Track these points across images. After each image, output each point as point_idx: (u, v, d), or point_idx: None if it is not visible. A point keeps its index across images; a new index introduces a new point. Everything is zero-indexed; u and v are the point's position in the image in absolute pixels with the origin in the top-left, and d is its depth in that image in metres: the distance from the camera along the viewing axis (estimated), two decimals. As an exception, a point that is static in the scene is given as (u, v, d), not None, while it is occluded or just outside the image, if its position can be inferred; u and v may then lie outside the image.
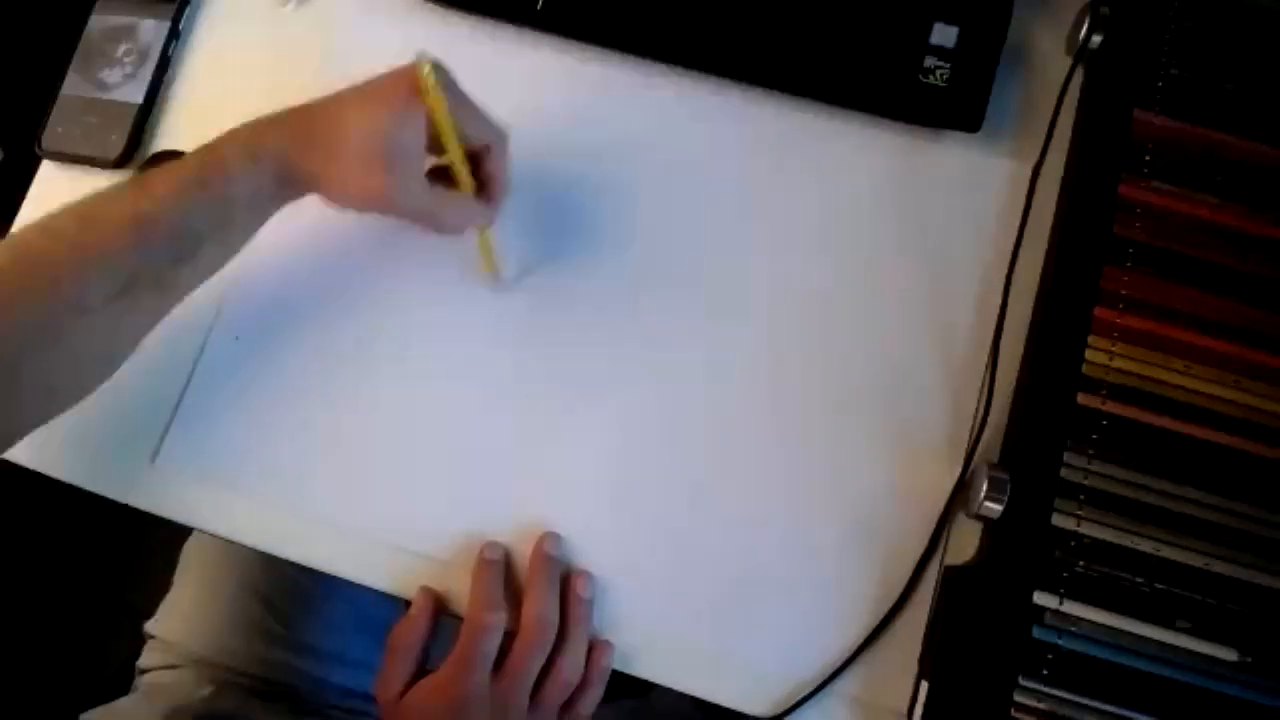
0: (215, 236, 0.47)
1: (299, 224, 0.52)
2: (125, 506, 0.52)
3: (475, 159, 0.48)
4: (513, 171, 0.50)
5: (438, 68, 0.44)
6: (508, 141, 0.48)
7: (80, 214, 0.45)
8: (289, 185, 0.47)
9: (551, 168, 0.57)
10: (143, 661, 0.69)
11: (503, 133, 0.48)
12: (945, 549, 0.51)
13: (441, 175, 0.48)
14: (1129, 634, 0.47)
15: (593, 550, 0.51)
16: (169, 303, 0.48)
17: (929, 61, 0.56)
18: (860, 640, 0.49)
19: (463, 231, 0.50)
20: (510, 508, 0.52)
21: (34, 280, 0.43)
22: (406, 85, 0.44)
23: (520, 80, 0.58)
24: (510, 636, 0.48)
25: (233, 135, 0.46)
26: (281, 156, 0.46)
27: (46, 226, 0.45)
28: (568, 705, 0.49)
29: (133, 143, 0.57)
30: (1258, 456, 0.49)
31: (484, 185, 0.48)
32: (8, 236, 0.45)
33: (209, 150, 0.46)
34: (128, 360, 0.48)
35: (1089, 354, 0.51)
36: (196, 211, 0.45)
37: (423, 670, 0.50)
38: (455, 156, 0.46)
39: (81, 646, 1.18)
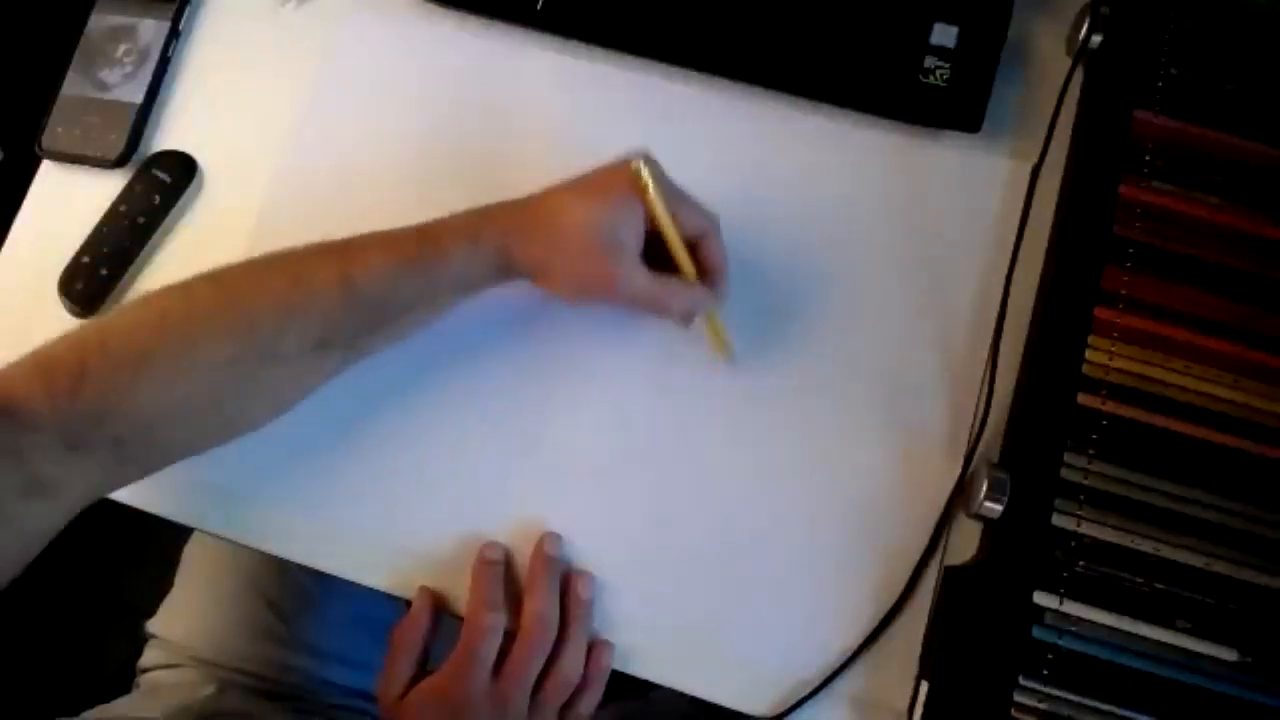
0: (417, 311, 0.48)
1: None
2: (125, 506, 0.52)
3: (692, 247, 0.49)
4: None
5: (650, 163, 0.46)
6: (718, 226, 0.49)
7: (290, 270, 0.46)
8: (504, 272, 0.48)
9: (551, 168, 0.57)
10: (143, 661, 0.69)
11: (715, 218, 0.49)
12: (945, 549, 0.51)
13: (659, 259, 0.49)
14: (1129, 634, 0.47)
15: (593, 550, 0.51)
16: (353, 361, 0.49)
17: (929, 61, 0.56)
18: (860, 640, 0.49)
19: (690, 315, 0.50)
20: (510, 508, 0.52)
21: (234, 324, 0.45)
22: (623, 180, 0.46)
23: (520, 80, 0.58)
24: (510, 637, 0.48)
25: (450, 221, 0.48)
26: (503, 247, 0.47)
27: (255, 274, 0.46)
28: (568, 705, 0.49)
29: (133, 143, 0.57)
30: (1258, 456, 0.49)
31: (704, 271, 0.49)
32: (217, 272, 0.46)
33: (429, 232, 0.47)
34: None
35: (1089, 354, 0.51)
36: (407, 289, 0.47)
37: (423, 670, 0.50)
38: (676, 246, 0.48)
39: (81, 646, 1.18)
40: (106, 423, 0.42)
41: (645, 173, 0.45)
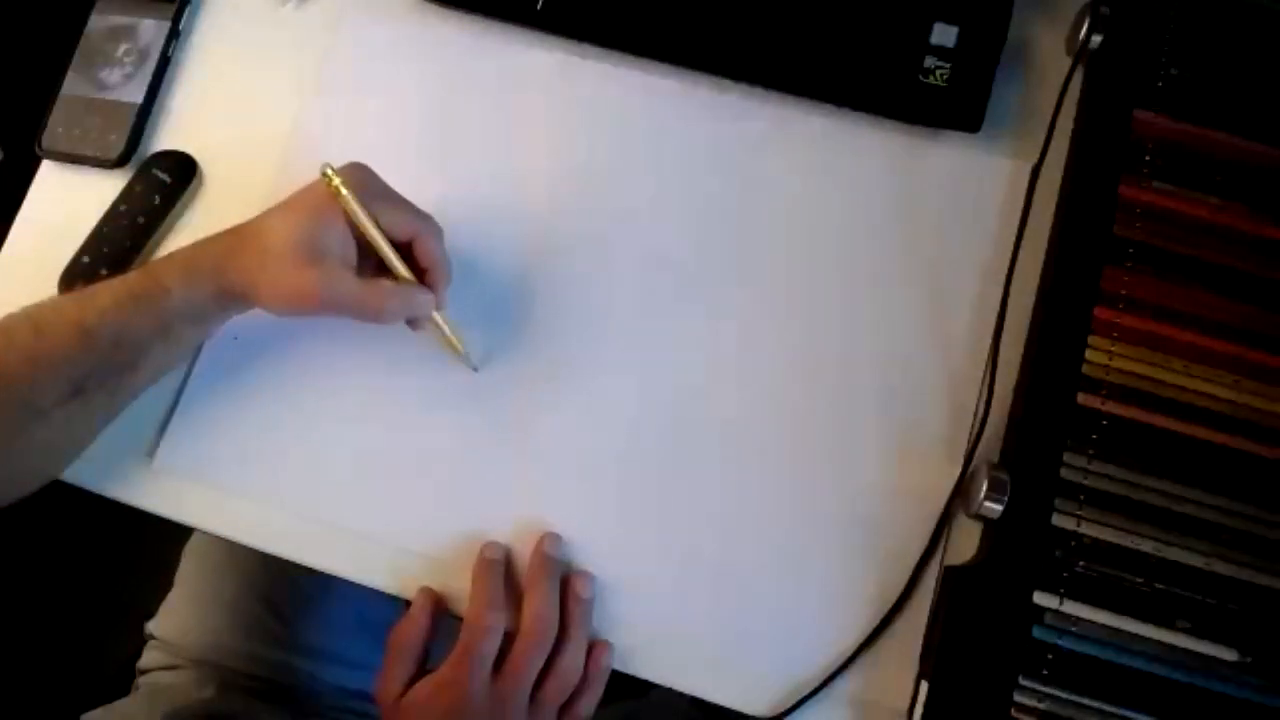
0: (157, 346, 0.49)
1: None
2: (125, 506, 0.52)
3: (408, 251, 0.49)
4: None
5: (342, 172, 0.47)
6: (437, 229, 0.50)
7: (33, 321, 0.47)
8: (227, 298, 0.49)
9: (551, 168, 0.57)
10: (143, 662, 0.69)
11: (429, 221, 0.50)
12: (945, 549, 0.51)
13: (384, 273, 0.49)
14: (1129, 634, 0.47)
15: (593, 550, 0.51)
16: (120, 402, 0.50)
17: (929, 61, 0.56)
18: (860, 640, 0.49)
19: (408, 317, 0.50)
20: (510, 508, 0.52)
21: None
22: (320, 191, 0.48)
23: (520, 80, 0.58)
24: (510, 636, 0.48)
25: (171, 256, 0.49)
26: (215, 271, 0.48)
27: (4, 329, 0.47)
28: (568, 705, 0.49)
29: (133, 143, 0.57)
30: (1258, 456, 0.49)
31: (422, 274, 0.50)
32: None
33: (149, 268, 0.49)
34: None
35: (1089, 354, 0.51)
36: (136, 324, 0.48)
37: (423, 670, 0.50)
38: (382, 248, 0.48)
39: (81, 646, 1.18)
40: None
41: (336, 180, 0.46)
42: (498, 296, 0.55)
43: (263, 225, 0.48)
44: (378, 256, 0.49)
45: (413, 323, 0.51)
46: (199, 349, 0.54)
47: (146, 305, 0.48)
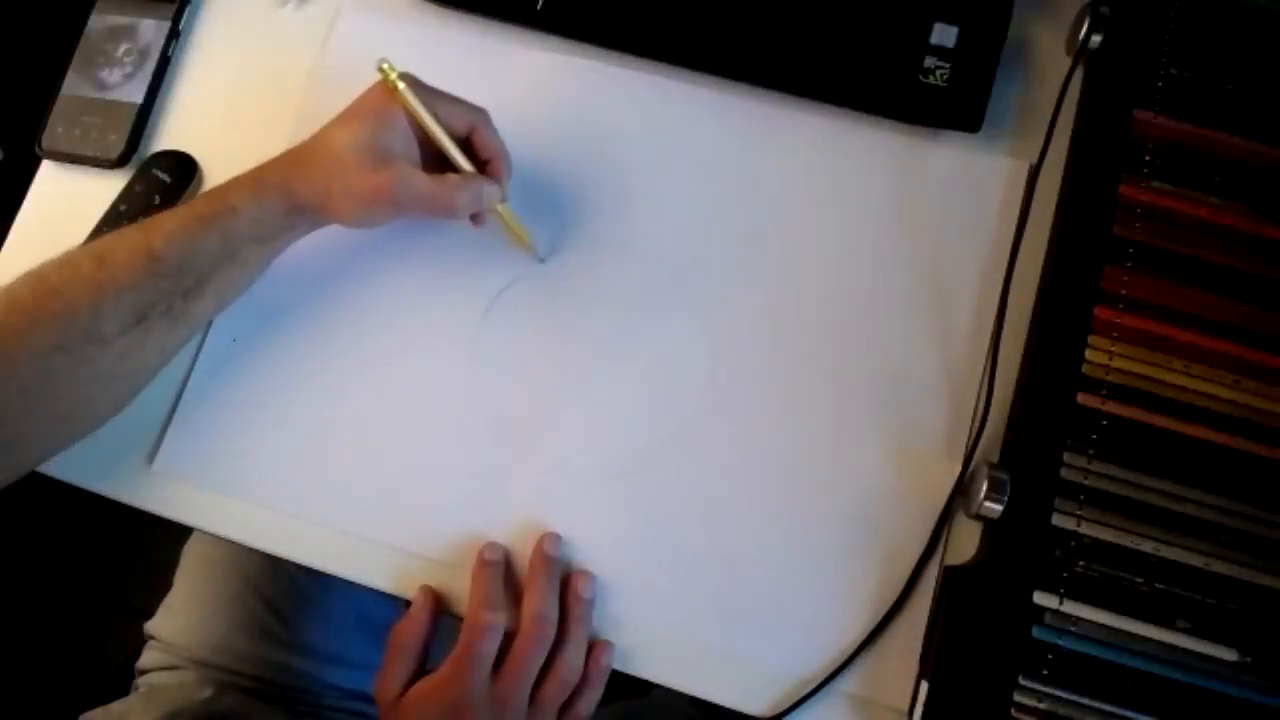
0: (222, 270, 0.49)
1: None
2: (124, 506, 0.52)
3: (467, 145, 0.50)
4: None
5: (400, 72, 0.47)
6: (488, 117, 0.51)
7: (96, 252, 0.48)
8: (296, 214, 0.49)
9: (551, 168, 0.57)
10: (142, 662, 0.69)
11: (483, 113, 0.51)
12: (945, 549, 0.51)
13: (443, 169, 0.50)
14: (1129, 634, 0.47)
15: (593, 550, 0.51)
16: (183, 334, 0.50)
17: (929, 61, 0.56)
18: (860, 640, 0.49)
19: (479, 210, 0.51)
20: (510, 508, 0.52)
21: (52, 311, 0.46)
22: (378, 93, 0.49)
23: (520, 80, 0.58)
24: (510, 636, 0.48)
25: (236, 178, 0.49)
26: (283, 186, 0.49)
27: (65, 262, 0.47)
28: (567, 705, 0.49)
29: (133, 143, 0.57)
30: (1258, 456, 0.49)
31: (485, 165, 0.51)
32: (28, 272, 0.47)
33: (215, 191, 0.49)
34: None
35: (1089, 354, 0.51)
36: (203, 247, 0.48)
37: (422, 670, 0.50)
38: (444, 142, 0.49)
39: (81, 646, 1.18)
40: None
41: (393, 75, 0.47)
42: (496, 296, 0.55)
43: (326, 137, 0.49)
44: (436, 152, 0.49)
45: (475, 218, 0.52)
46: (197, 348, 0.54)
47: (213, 226, 0.48)
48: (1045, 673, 0.46)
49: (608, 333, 0.54)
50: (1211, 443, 0.49)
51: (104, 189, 0.57)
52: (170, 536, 0.65)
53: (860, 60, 0.56)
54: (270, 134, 0.58)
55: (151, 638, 0.69)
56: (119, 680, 0.69)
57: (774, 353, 0.54)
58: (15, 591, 1.15)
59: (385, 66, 0.47)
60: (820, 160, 0.57)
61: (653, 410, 0.53)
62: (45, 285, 0.47)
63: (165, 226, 0.48)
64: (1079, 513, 0.48)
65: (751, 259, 0.55)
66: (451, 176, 0.50)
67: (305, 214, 0.50)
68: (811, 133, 0.57)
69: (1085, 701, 0.46)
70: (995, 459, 0.51)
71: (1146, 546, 0.48)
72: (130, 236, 0.48)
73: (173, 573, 0.72)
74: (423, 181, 0.48)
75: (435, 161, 0.50)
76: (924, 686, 0.47)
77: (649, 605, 0.51)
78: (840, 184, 0.56)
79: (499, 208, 0.52)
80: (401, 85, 0.47)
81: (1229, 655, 0.46)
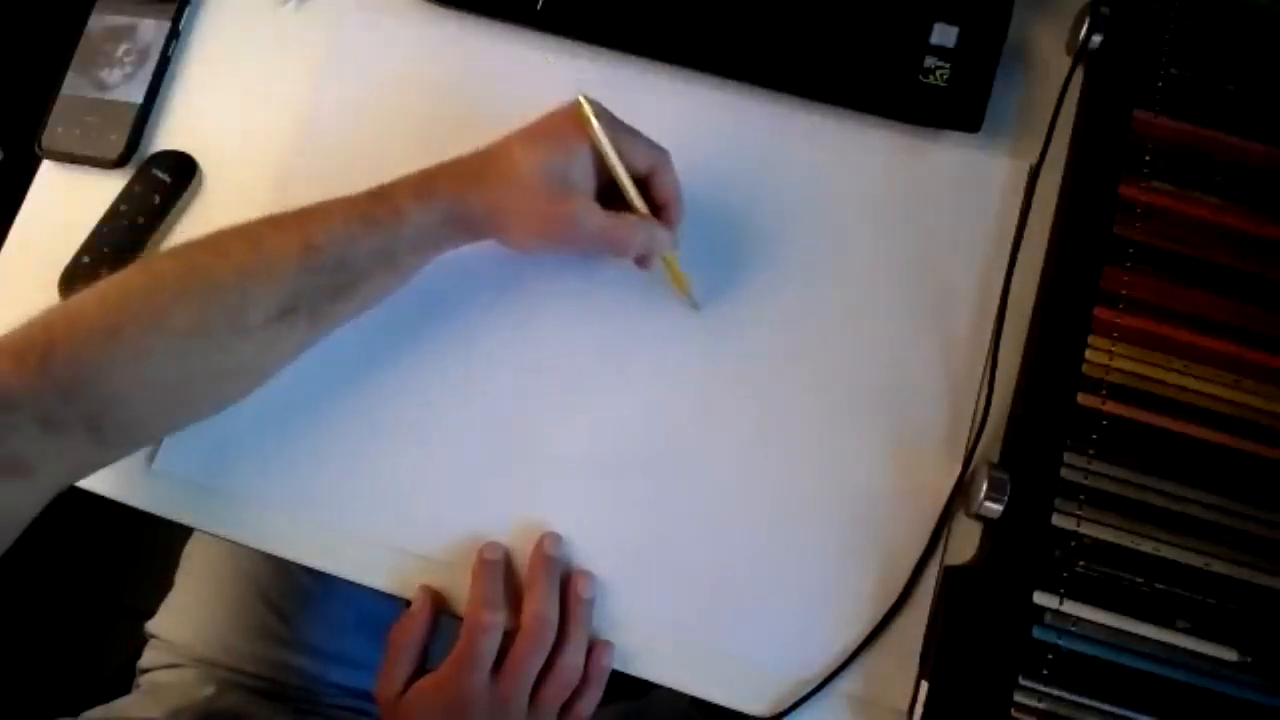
0: (377, 274, 0.48)
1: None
2: (125, 506, 0.52)
3: (644, 184, 0.48)
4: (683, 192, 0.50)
5: (593, 102, 0.46)
6: (669, 159, 0.49)
7: (250, 236, 0.46)
8: (460, 227, 0.48)
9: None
10: (143, 661, 0.69)
11: (665, 154, 0.49)
12: (945, 549, 0.51)
13: (615, 203, 0.48)
14: (1129, 634, 0.47)
15: (593, 550, 0.51)
16: (318, 334, 0.49)
17: (929, 61, 0.56)
18: (860, 640, 0.49)
19: (647, 253, 0.50)
20: (510, 508, 0.52)
21: (197, 291, 0.44)
22: (567, 120, 0.46)
23: (520, 80, 0.58)
24: (510, 636, 0.48)
25: (404, 178, 0.48)
26: (454, 197, 0.47)
27: (215, 244, 0.46)
28: (567, 705, 0.49)
29: (133, 143, 0.57)
30: (1258, 456, 0.49)
31: (659, 209, 0.49)
32: (175, 248, 0.46)
33: (382, 190, 0.47)
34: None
35: (1089, 354, 0.51)
36: (364, 246, 0.46)
37: (423, 669, 0.50)
38: (625, 182, 0.47)
39: (81, 646, 1.18)
40: (79, 399, 0.42)
41: (588, 109, 0.45)
42: (496, 295, 0.55)
43: (510, 153, 0.47)
44: (610, 185, 0.47)
45: (642, 260, 0.50)
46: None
47: (378, 228, 0.46)
48: (1045, 673, 0.46)
49: (608, 332, 0.54)
50: (1211, 443, 0.49)
51: (104, 189, 0.57)
52: (171, 536, 0.65)
53: (860, 60, 0.56)
54: (270, 134, 0.58)
55: (153, 636, 0.69)
56: (120, 679, 0.69)
57: (774, 352, 0.54)
58: (16, 591, 1.15)
59: (584, 99, 0.45)
60: (820, 160, 0.56)
61: (653, 410, 0.53)
62: (192, 263, 0.45)
63: (326, 221, 0.46)
64: (1079, 513, 0.48)
65: (751, 258, 0.55)
66: (628, 216, 0.48)
67: (470, 227, 0.48)
68: (811, 133, 0.57)
69: (1085, 701, 0.46)
70: (995, 459, 0.51)
71: (1146, 546, 0.48)
72: (288, 225, 0.46)
73: (173, 573, 0.72)
74: (600, 218, 0.47)
75: (607, 195, 0.48)
76: (924, 686, 0.47)
77: (649, 605, 0.51)
78: (840, 184, 0.56)
79: (670, 257, 0.50)
80: (596, 122, 0.45)
81: (1229, 655, 0.46)
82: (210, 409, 0.48)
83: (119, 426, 0.45)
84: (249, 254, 0.45)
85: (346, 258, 0.46)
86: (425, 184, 0.47)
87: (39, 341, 0.42)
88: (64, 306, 0.44)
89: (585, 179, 0.47)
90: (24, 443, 0.41)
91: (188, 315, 0.44)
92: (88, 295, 0.44)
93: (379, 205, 0.46)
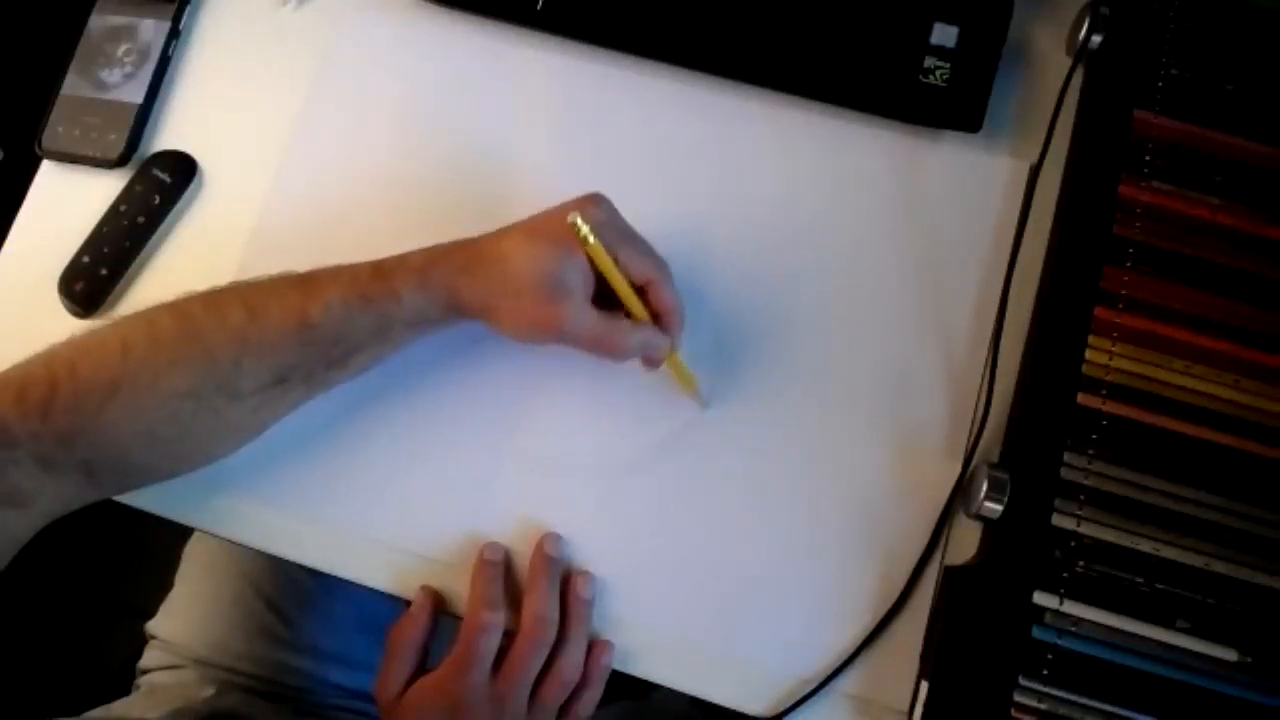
0: (371, 346, 0.48)
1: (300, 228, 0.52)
2: (125, 506, 0.52)
3: (642, 292, 0.48)
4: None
5: (586, 212, 0.45)
6: (669, 274, 0.49)
7: (249, 302, 0.46)
8: (455, 313, 0.48)
9: (550, 167, 0.57)
10: (143, 662, 0.69)
11: (664, 266, 0.48)
12: (945, 549, 0.51)
13: (613, 302, 0.48)
14: (1129, 634, 0.47)
15: (593, 550, 0.51)
16: (312, 396, 0.50)
17: (929, 61, 0.56)
18: (860, 640, 0.49)
19: (649, 356, 0.49)
20: (510, 508, 0.52)
21: (193, 356, 0.45)
22: (565, 223, 0.45)
23: (520, 80, 0.58)
24: (510, 636, 0.48)
25: (404, 259, 0.48)
26: (451, 288, 0.47)
27: (214, 303, 0.47)
28: (567, 705, 0.49)
29: (133, 143, 0.57)
30: (1258, 456, 0.49)
31: (658, 316, 0.49)
32: (178, 302, 0.47)
33: (382, 270, 0.47)
34: None
35: (1089, 354, 0.51)
36: (360, 326, 0.47)
37: (422, 669, 0.50)
38: (622, 290, 0.47)
39: (81, 646, 1.18)
40: (76, 446, 0.44)
41: (585, 230, 0.44)
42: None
43: (505, 249, 0.47)
44: (609, 287, 0.47)
45: (646, 361, 0.50)
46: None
47: (375, 307, 0.47)
48: (1045, 673, 0.46)
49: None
50: (1211, 443, 0.49)
51: (104, 189, 0.57)
52: (170, 536, 0.65)
53: (860, 60, 0.56)
54: (270, 134, 0.58)
55: (153, 637, 0.69)
56: (120, 680, 0.69)
57: (774, 352, 0.54)
58: (17, 591, 1.15)
59: (578, 222, 0.44)
60: (820, 160, 0.56)
61: (653, 411, 0.53)
62: (191, 327, 0.46)
63: (325, 295, 0.46)
64: (1079, 513, 0.48)
65: (751, 258, 0.55)
66: (623, 321, 0.48)
67: (465, 314, 0.48)
68: (811, 133, 0.57)
69: (1085, 701, 0.46)
70: (995, 459, 0.51)
71: (1146, 546, 0.48)
72: (287, 296, 0.47)
73: (173, 573, 0.72)
74: (592, 321, 0.47)
75: (606, 295, 0.48)
76: (924, 686, 0.47)
77: (649, 605, 0.51)
78: (840, 184, 0.56)
79: (672, 358, 0.50)
80: (592, 239, 0.44)
81: (1229, 655, 0.46)
82: (205, 461, 0.49)
83: (114, 472, 0.47)
84: (246, 321, 0.46)
85: (343, 335, 0.47)
86: (423, 269, 0.47)
87: (42, 382, 0.43)
88: (68, 348, 0.45)
89: (580, 281, 0.46)
90: (22, 477, 0.43)
91: (183, 380, 0.45)
92: (91, 342, 0.45)
93: (377, 286, 0.47)
